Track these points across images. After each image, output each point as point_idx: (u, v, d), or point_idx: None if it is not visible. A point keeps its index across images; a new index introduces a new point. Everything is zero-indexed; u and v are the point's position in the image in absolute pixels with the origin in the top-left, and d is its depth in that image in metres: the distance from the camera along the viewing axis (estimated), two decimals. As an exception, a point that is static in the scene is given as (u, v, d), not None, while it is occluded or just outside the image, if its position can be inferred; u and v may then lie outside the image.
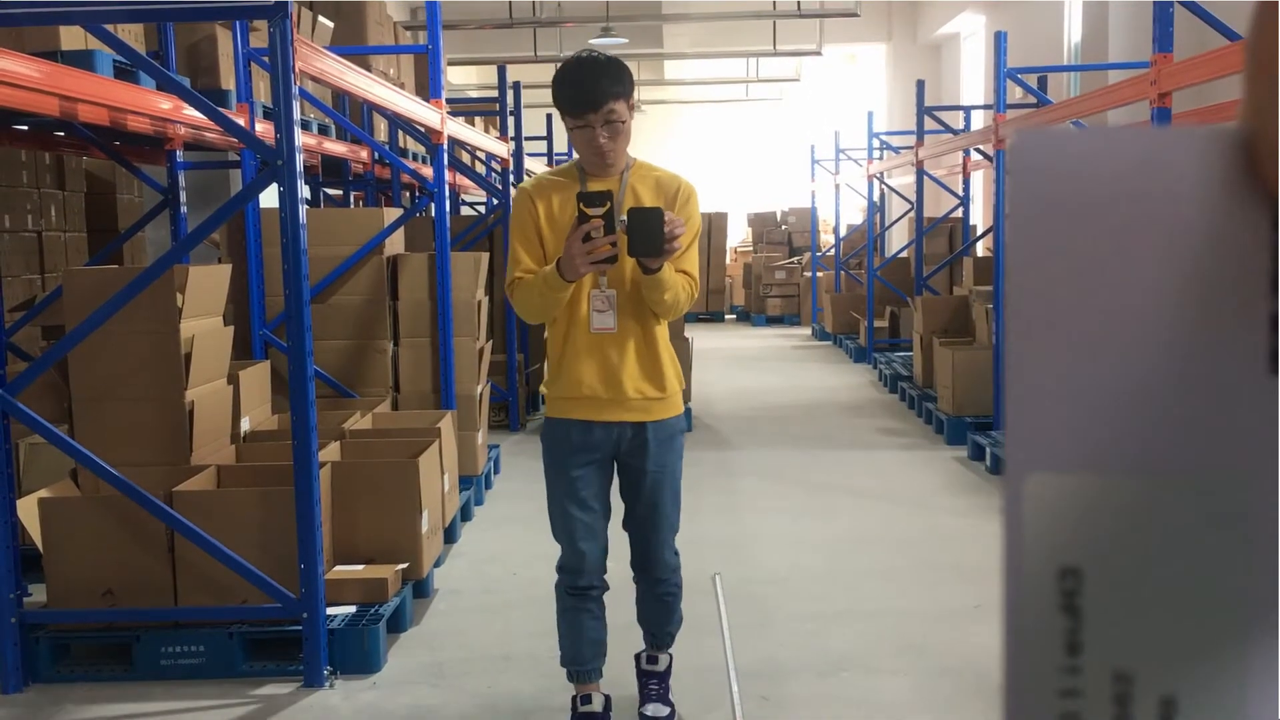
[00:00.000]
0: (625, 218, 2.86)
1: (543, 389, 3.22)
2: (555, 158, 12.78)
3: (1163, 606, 0.41)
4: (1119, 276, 0.40)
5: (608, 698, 3.31)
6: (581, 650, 3.22)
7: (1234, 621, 0.41)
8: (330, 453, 4.46)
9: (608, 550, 3.21)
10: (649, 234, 2.82)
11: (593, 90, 2.90)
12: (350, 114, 7.90)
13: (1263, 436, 0.41)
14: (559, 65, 3.08)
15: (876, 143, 13.40)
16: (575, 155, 3.09)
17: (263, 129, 5.51)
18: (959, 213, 10.38)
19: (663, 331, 3.11)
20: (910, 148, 10.85)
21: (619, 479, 3.21)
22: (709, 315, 17.10)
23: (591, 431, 3.08)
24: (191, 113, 4.89)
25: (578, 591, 3.19)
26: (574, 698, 3.29)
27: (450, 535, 5.27)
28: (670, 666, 3.42)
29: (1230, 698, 0.41)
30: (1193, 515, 0.41)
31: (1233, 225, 0.40)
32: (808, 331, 15.22)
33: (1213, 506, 0.41)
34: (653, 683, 3.38)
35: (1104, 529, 0.41)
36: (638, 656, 3.42)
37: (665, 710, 3.35)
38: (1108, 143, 0.41)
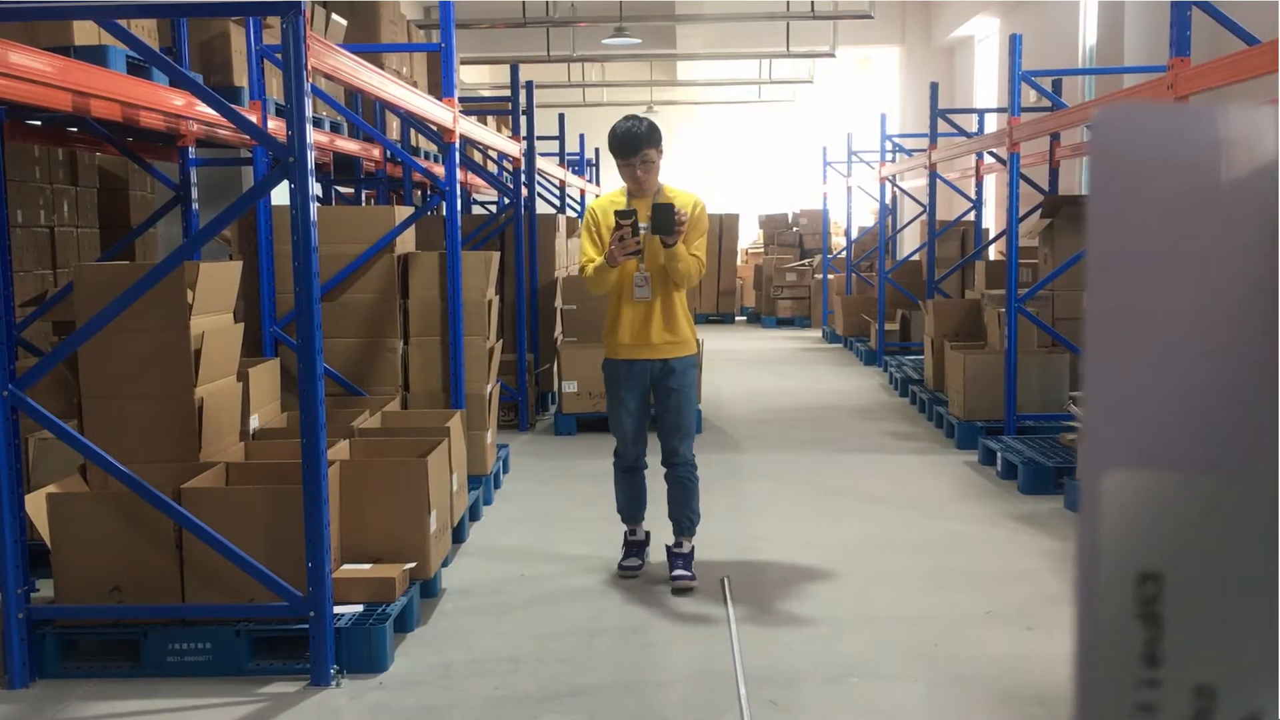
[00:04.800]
0: (650, 213, 4.47)
1: (604, 339, 4.75)
2: (566, 156, 12.79)
3: (1250, 617, 0.38)
4: (1205, 265, 0.38)
5: (648, 532, 4.95)
6: (629, 504, 4.89)
7: None
8: (339, 451, 4.45)
9: (646, 445, 4.81)
10: (664, 219, 4.42)
11: (634, 143, 4.57)
12: (363, 112, 7.90)
13: None
14: (613, 125, 4.66)
15: (889, 145, 13.37)
16: (622, 182, 4.74)
17: (275, 126, 5.50)
18: (971, 216, 10.34)
19: (681, 299, 4.67)
20: (923, 150, 10.82)
21: (654, 398, 4.73)
22: (719, 317, 17.08)
23: (633, 366, 4.66)
24: (204, 109, 4.88)
25: (627, 468, 4.86)
26: (625, 532, 4.94)
27: (458, 535, 5.26)
28: (692, 551, 4.75)
29: None
30: (1276, 520, 0.38)
31: None
32: (818, 334, 15.18)
33: None
34: (679, 560, 4.73)
35: (1186, 532, 0.38)
36: (668, 546, 4.78)
37: (689, 574, 4.67)
38: (1196, 121, 0.38)
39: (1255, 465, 0.38)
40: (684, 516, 4.73)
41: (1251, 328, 0.38)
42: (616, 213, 4.46)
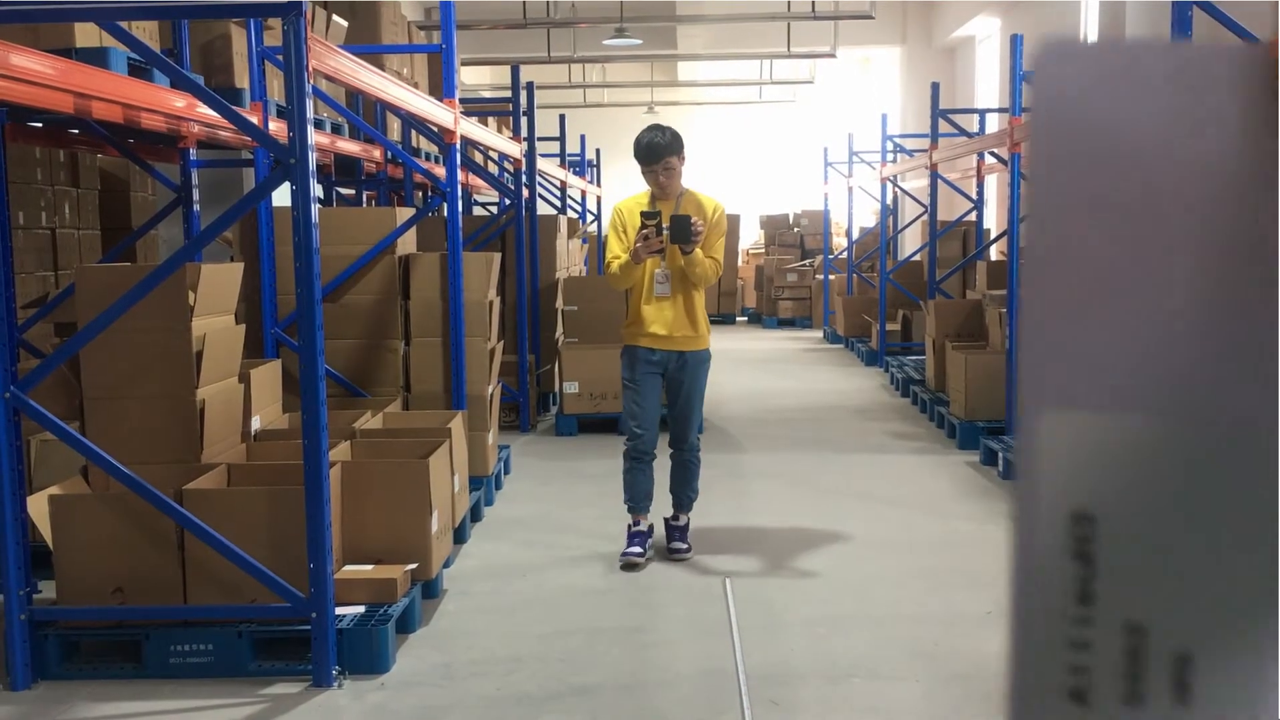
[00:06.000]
0: (669, 222, 4.79)
1: (622, 330, 5.07)
2: (567, 157, 12.80)
3: (1181, 558, 0.39)
4: (1143, 207, 0.37)
5: (651, 524, 5.12)
6: (636, 493, 5.04)
7: (1257, 576, 0.39)
8: (340, 452, 4.45)
9: (657, 434, 5.02)
10: (681, 230, 4.77)
11: (656, 151, 4.89)
12: (364, 113, 7.90)
13: None
14: (638, 134, 4.96)
15: (890, 145, 13.36)
16: (647, 186, 5.02)
17: (276, 127, 5.50)
18: (973, 216, 10.34)
19: (699, 296, 4.98)
20: (924, 151, 10.82)
21: (666, 388, 5.03)
22: (721, 317, 17.07)
23: (653, 353, 4.95)
24: (205, 111, 4.89)
25: (637, 455, 4.99)
26: (629, 524, 5.08)
27: (460, 536, 5.26)
28: (688, 524, 5.15)
29: (1249, 658, 0.39)
30: (1216, 462, 0.38)
31: (1263, 154, 0.37)
32: (819, 334, 15.18)
33: (1239, 453, 0.38)
34: (676, 532, 5.14)
35: (1121, 473, 0.38)
36: (667, 518, 5.16)
37: (685, 546, 5.10)
38: (1139, 57, 0.37)
39: (1189, 406, 0.38)
40: (684, 494, 5.14)
41: (1188, 270, 0.38)
42: (642, 213, 4.80)
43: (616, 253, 4.89)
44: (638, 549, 5.01)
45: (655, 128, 4.97)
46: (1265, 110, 0.37)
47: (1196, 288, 0.38)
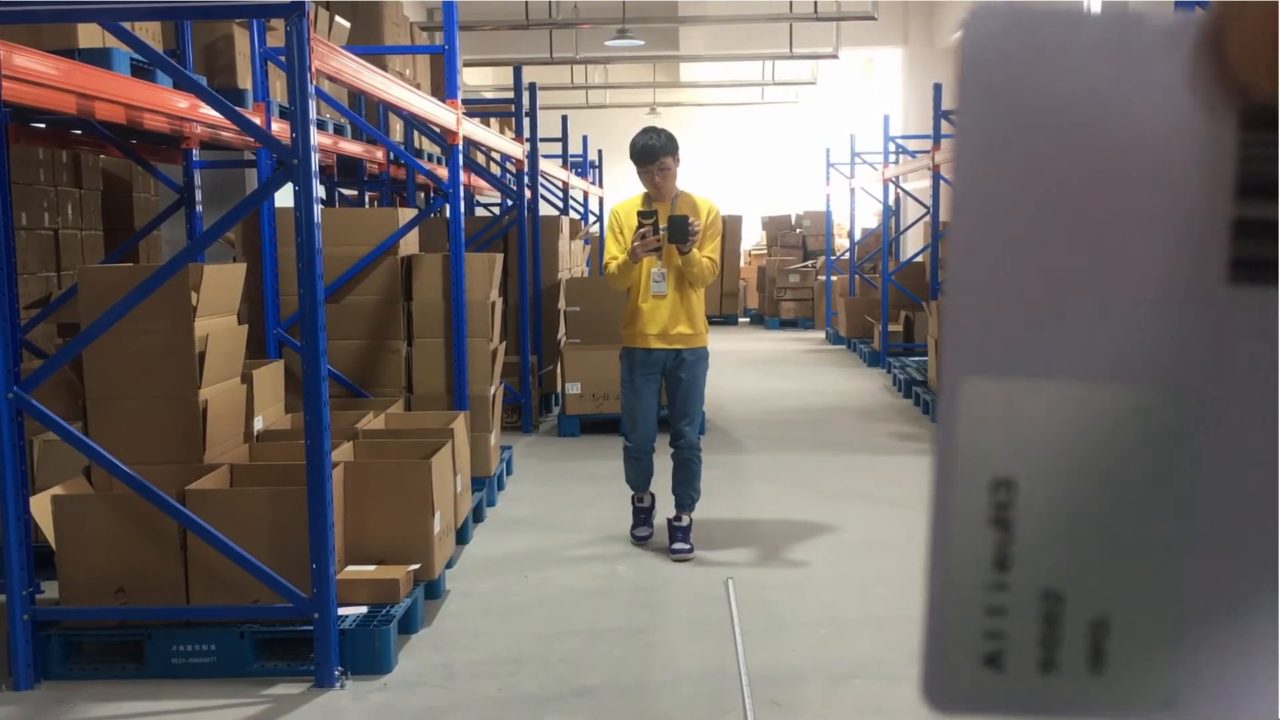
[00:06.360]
0: (667, 223, 4.88)
1: (621, 330, 5.15)
2: (570, 158, 12.81)
3: (1099, 525, 0.39)
4: (1072, 175, 0.37)
5: (653, 495, 5.33)
6: (636, 479, 5.27)
7: (1175, 545, 0.39)
8: (343, 453, 4.45)
9: (655, 433, 5.17)
10: (680, 230, 4.87)
11: (651, 153, 4.98)
12: (366, 114, 7.91)
13: (1218, 350, 0.38)
14: (634, 137, 5.06)
15: (892, 146, 13.36)
16: (643, 187, 5.10)
17: (279, 128, 5.51)
18: (975, 217, 10.32)
19: (696, 295, 5.05)
20: (926, 151, 10.82)
21: (666, 386, 5.12)
22: (723, 318, 17.07)
23: (651, 354, 5.05)
24: (208, 111, 4.89)
25: (636, 455, 5.19)
26: (632, 497, 5.34)
27: (462, 536, 5.27)
28: (690, 524, 5.18)
29: (1166, 625, 0.39)
30: (1136, 429, 0.38)
31: (1197, 123, 0.37)
32: (821, 335, 15.18)
33: (1158, 421, 0.38)
34: (679, 533, 5.17)
35: (1042, 440, 0.38)
36: (669, 519, 5.21)
37: (687, 546, 5.13)
38: (1070, 26, 0.37)
39: (1110, 371, 0.38)
40: (686, 495, 5.18)
41: (1120, 233, 0.38)
42: (639, 213, 4.92)
43: (614, 253, 5.01)
44: (646, 530, 5.31)
45: (650, 130, 5.09)
46: (1202, 76, 0.37)
47: (1121, 254, 0.38)
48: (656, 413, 5.17)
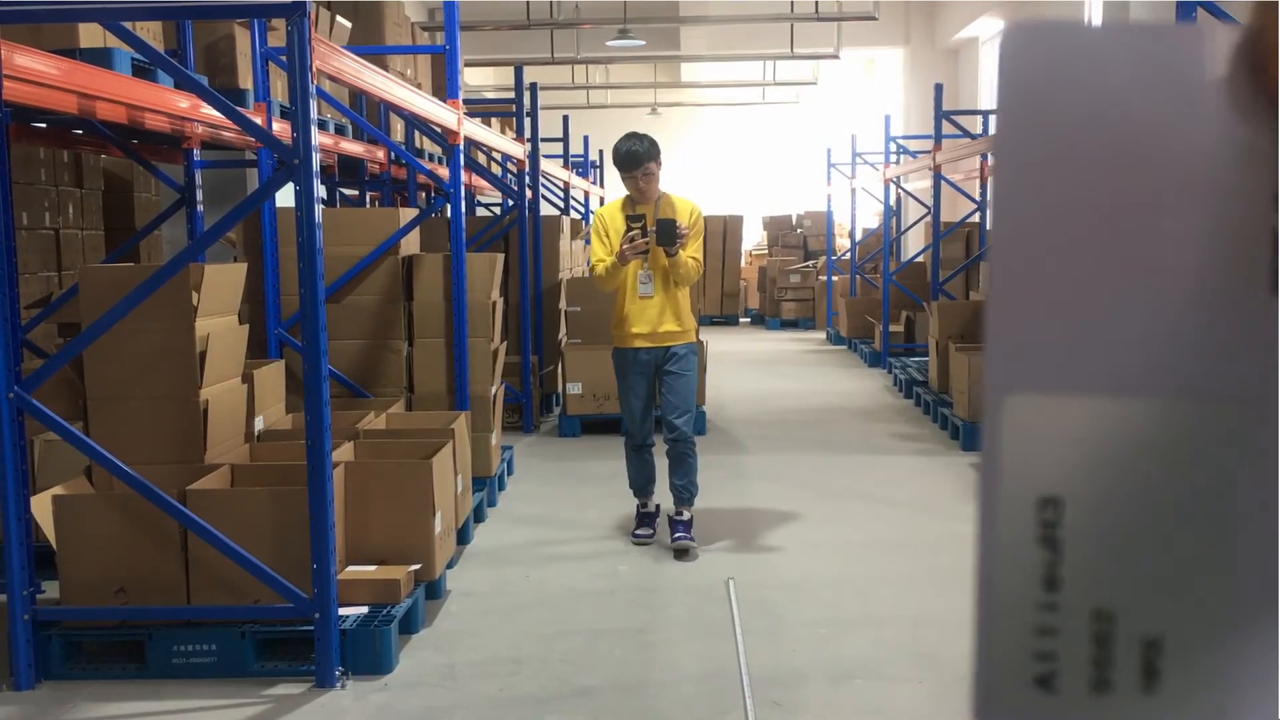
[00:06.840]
0: (654, 225, 5.03)
1: (611, 331, 5.32)
2: (571, 158, 12.81)
3: (1149, 542, 0.38)
4: (1113, 188, 0.37)
5: (658, 505, 5.47)
6: (640, 479, 5.41)
7: (1225, 559, 0.38)
8: (344, 453, 4.45)
9: (652, 427, 5.36)
10: (668, 233, 5.01)
11: (635, 159, 5.15)
12: (367, 114, 7.91)
13: (1263, 359, 0.37)
14: (616, 143, 5.25)
15: (893, 146, 13.35)
16: (626, 191, 5.25)
17: (280, 128, 5.51)
18: (976, 217, 10.33)
19: (683, 294, 5.23)
20: (927, 152, 10.82)
21: (659, 382, 5.27)
22: (723, 319, 17.07)
23: (639, 354, 5.22)
24: (209, 111, 4.89)
25: (636, 446, 5.35)
26: (637, 504, 5.46)
27: (463, 536, 5.27)
28: (691, 520, 5.27)
29: (1221, 643, 0.39)
30: (1184, 442, 0.38)
31: (1235, 134, 0.37)
32: (822, 336, 15.17)
33: (1207, 433, 0.38)
34: (679, 527, 5.25)
35: (1088, 456, 0.38)
36: (670, 514, 5.31)
37: (688, 536, 5.21)
38: (1108, 40, 0.38)
39: (1154, 384, 0.38)
40: (684, 489, 5.29)
41: (1163, 246, 0.38)
42: (627, 217, 5.09)
43: (601, 256, 5.16)
44: (647, 530, 5.41)
45: (632, 135, 5.26)
46: (1239, 88, 0.37)
47: (1163, 266, 0.38)
48: (653, 406, 5.33)
